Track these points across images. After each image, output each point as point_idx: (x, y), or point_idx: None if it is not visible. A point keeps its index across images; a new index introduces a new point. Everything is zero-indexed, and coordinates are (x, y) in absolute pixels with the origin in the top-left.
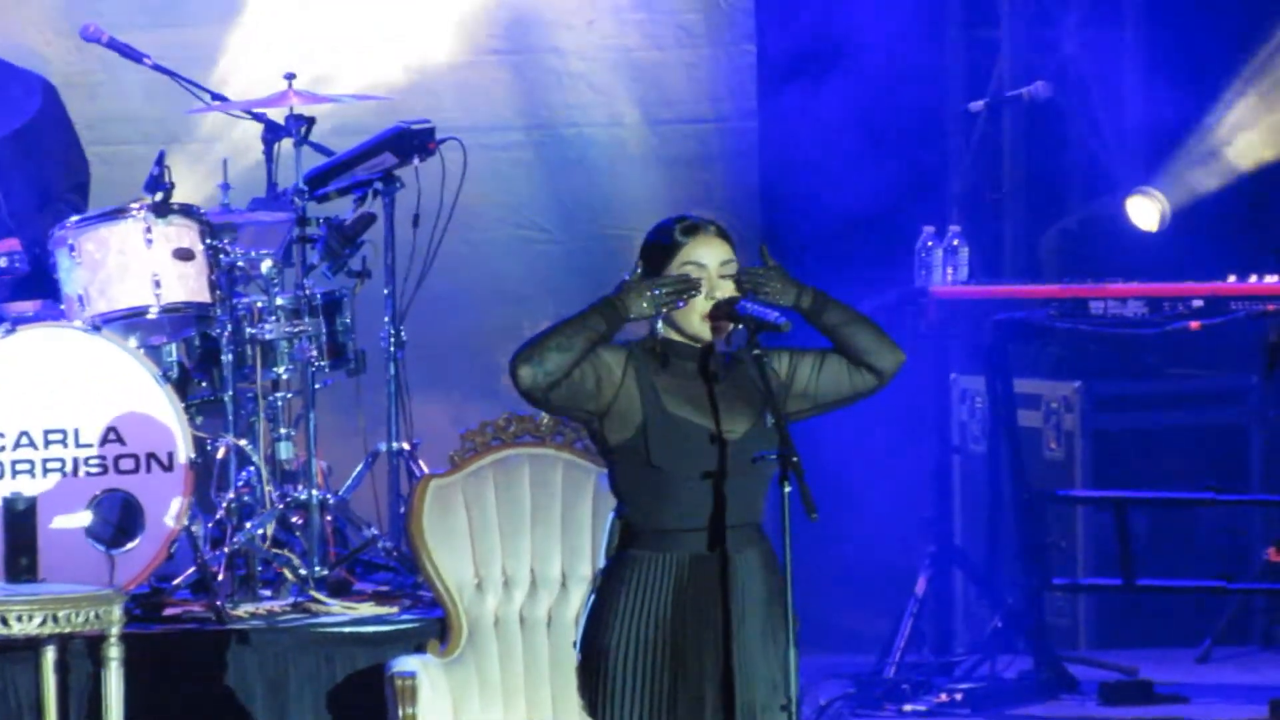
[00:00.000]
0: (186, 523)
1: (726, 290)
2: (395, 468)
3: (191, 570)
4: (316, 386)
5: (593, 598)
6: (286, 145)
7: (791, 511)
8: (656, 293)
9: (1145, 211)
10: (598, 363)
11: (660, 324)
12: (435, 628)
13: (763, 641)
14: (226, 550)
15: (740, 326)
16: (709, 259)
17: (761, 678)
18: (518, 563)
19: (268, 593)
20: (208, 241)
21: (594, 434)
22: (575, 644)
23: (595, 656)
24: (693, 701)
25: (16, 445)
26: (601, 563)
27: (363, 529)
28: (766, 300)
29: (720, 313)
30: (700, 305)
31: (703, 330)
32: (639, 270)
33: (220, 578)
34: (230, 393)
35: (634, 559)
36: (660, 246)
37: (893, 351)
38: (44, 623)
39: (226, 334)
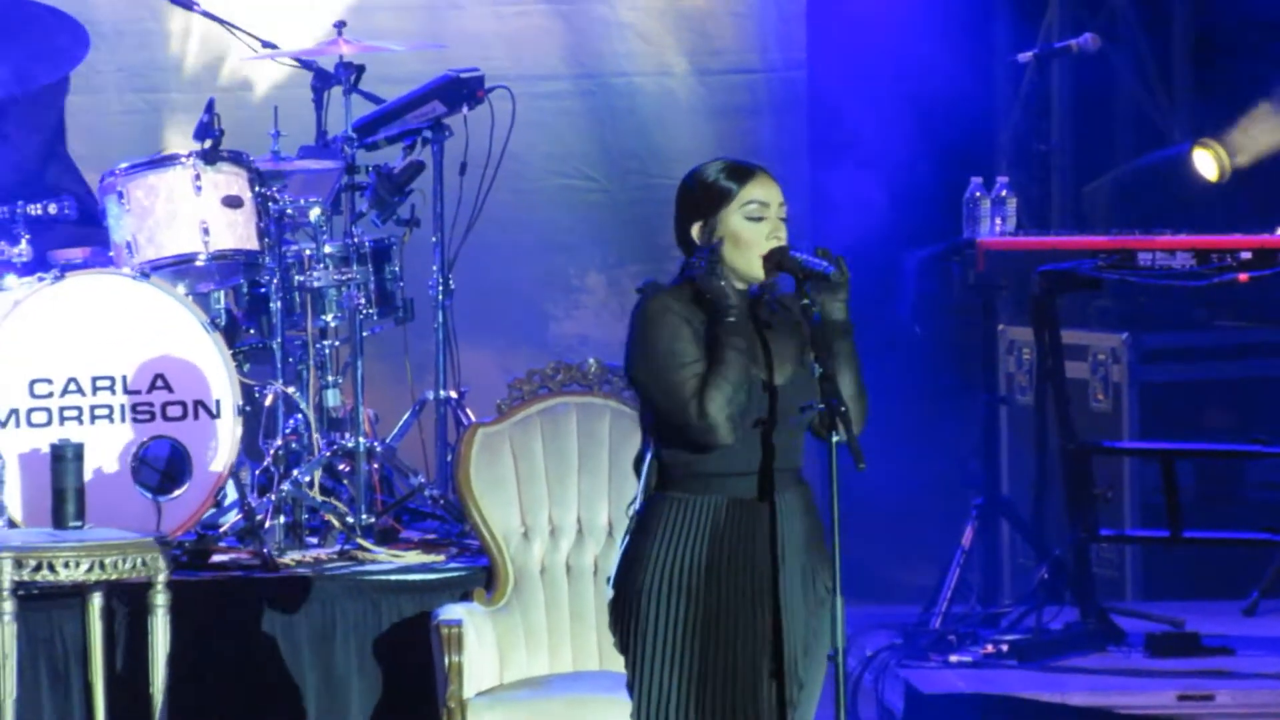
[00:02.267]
0: (234, 470)
1: (783, 231)
2: (442, 416)
3: (238, 517)
4: (364, 334)
5: (628, 536)
6: (336, 93)
7: (839, 461)
8: (709, 265)
9: (1208, 164)
10: (695, 340)
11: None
12: (481, 576)
13: (803, 590)
14: (273, 498)
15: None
16: (770, 198)
17: (800, 625)
18: (564, 511)
19: (314, 540)
20: (256, 189)
21: (634, 384)
22: (608, 580)
23: (629, 594)
24: (726, 648)
25: (65, 392)
26: (639, 502)
27: (410, 477)
28: (823, 304)
29: (771, 260)
30: (761, 246)
31: (760, 271)
32: (704, 243)
33: (267, 525)
34: (278, 340)
35: (672, 499)
36: (715, 190)
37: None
38: (91, 569)
39: (275, 281)
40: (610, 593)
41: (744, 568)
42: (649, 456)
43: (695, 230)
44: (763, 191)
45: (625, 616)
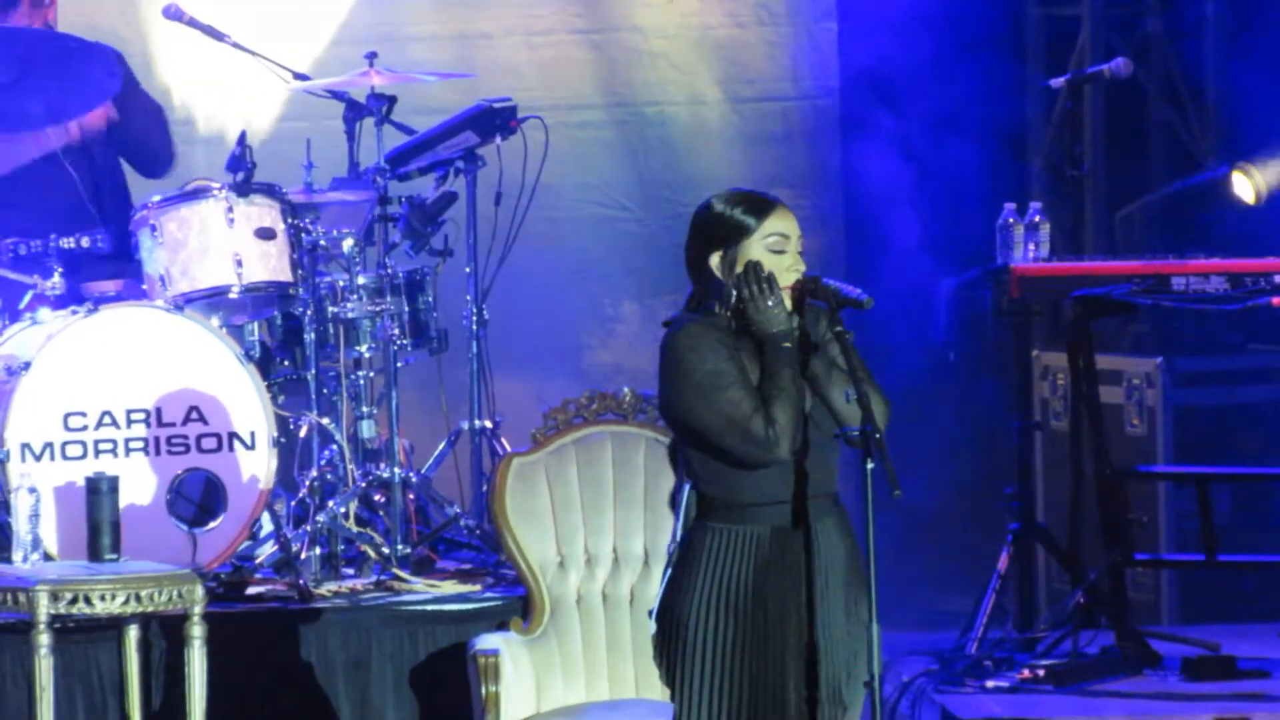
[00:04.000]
0: (269, 501)
1: (802, 264)
2: (477, 446)
3: (274, 549)
4: (399, 365)
5: (670, 568)
6: (368, 124)
7: (874, 488)
8: (765, 294)
9: (1245, 187)
10: (736, 370)
11: (735, 298)
12: (518, 605)
13: (845, 613)
14: (309, 529)
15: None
16: (791, 231)
17: (843, 648)
18: (600, 540)
19: (350, 571)
20: (289, 220)
21: (674, 418)
22: (651, 613)
23: (674, 627)
24: (774, 675)
25: (99, 425)
26: (679, 533)
27: (445, 507)
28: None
29: (803, 289)
30: (782, 278)
31: (787, 302)
32: (732, 285)
33: (303, 556)
34: (313, 371)
35: (713, 530)
36: (737, 222)
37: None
38: (127, 602)
39: (308, 313)
40: (653, 626)
41: (789, 595)
42: (687, 488)
43: (715, 260)
44: (784, 224)
45: (671, 649)
